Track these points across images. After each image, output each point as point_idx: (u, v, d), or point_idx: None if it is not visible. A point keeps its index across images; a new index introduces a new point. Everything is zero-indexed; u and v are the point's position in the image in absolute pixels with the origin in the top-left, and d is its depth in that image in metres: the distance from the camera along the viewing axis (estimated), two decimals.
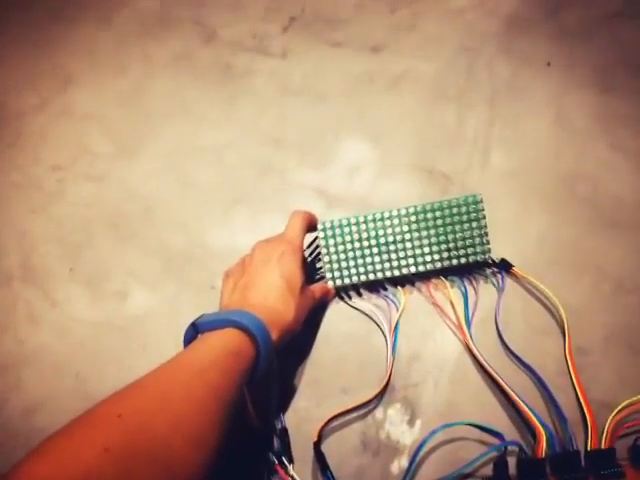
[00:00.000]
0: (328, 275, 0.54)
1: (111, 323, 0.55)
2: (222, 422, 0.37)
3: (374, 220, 0.54)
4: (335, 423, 0.48)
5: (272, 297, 0.46)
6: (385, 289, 0.54)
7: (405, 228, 0.54)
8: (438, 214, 0.54)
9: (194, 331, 0.44)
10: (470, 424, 0.45)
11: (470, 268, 0.54)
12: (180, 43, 0.74)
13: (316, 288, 0.52)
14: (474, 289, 0.54)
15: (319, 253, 0.55)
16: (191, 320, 0.45)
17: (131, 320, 0.55)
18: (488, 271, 0.54)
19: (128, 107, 0.69)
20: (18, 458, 0.47)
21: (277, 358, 0.45)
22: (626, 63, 0.67)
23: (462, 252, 0.54)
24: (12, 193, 0.64)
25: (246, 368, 0.41)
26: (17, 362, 0.54)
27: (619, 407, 0.45)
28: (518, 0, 0.73)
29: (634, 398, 0.46)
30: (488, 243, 0.54)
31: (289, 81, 0.70)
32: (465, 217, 0.54)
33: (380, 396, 0.49)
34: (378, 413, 0.49)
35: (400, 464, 0.47)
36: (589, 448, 0.44)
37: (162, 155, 0.65)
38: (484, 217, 0.53)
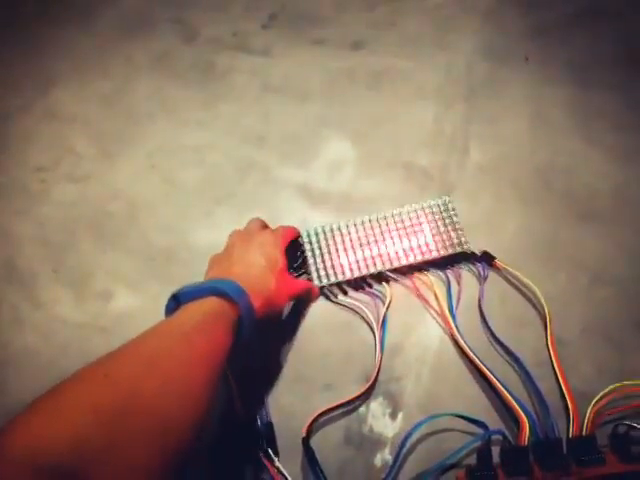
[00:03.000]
0: (314, 275, 0.54)
1: (95, 324, 0.55)
2: (209, 384, 0.38)
3: (354, 225, 0.57)
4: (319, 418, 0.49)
5: (254, 270, 0.47)
6: (370, 286, 0.55)
7: (383, 229, 0.56)
8: (412, 215, 0.57)
9: (175, 302, 0.43)
10: (455, 415, 0.46)
11: (452, 262, 0.55)
12: (161, 43, 0.74)
13: (300, 280, 0.53)
14: (457, 282, 0.54)
15: (305, 259, 0.56)
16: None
17: (115, 321, 0.55)
18: (470, 264, 0.55)
19: (111, 108, 0.69)
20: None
21: (259, 336, 0.45)
22: (601, 59, 0.68)
23: (440, 246, 0.55)
24: None
25: (229, 333, 0.41)
26: (1, 364, 0.54)
27: (600, 394, 0.46)
28: None
29: (612, 386, 0.46)
30: (463, 237, 0.55)
31: (271, 79, 0.70)
32: (438, 216, 0.56)
33: (366, 389, 0.50)
34: (361, 407, 0.49)
35: (383, 457, 0.47)
36: (571, 435, 0.45)
37: (145, 155, 0.65)
38: (456, 215, 0.56)
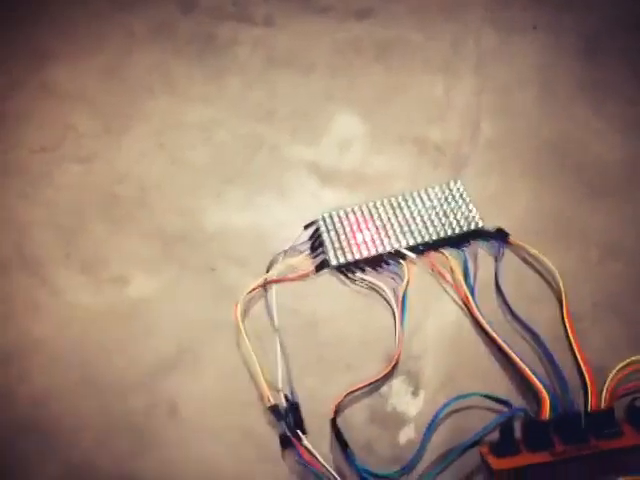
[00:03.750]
0: (331, 254, 0.55)
1: (114, 310, 0.55)
2: None
3: (367, 207, 0.57)
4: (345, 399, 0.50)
5: None
6: (388, 264, 0.56)
7: (397, 209, 0.57)
8: (425, 197, 0.57)
9: None
10: (482, 395, 0.47)
11: (468, 240, 0.56)
12: (158, 13, 0.72)
13: None
14: (473, 259, 0.55)
15: (322, 241, 0.56)
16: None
17: (133, 306, 0.55)
18: (485, 242, 0.56)
19: (110, 83, 0.67)
20: (31, 450, 0.48)
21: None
22: (609, 28, 0.67)
23: (455, 224, 0.56)
24: None
25: None
26: (22, 352, 0.53)
27: (617, 367, 0.47)
28: None
29: (628, 360, 0.48)
30: (475, 215, 0.56)
31: (275, 51, 0.69)
32: (451, 196, 0.57)
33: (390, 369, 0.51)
34: (384, 387, 0.50)
35: (407, 435, 0.49)
36: (589, 409, 0.47)
37: (150, 134, 0.63)
38: (467, 196, 0.57)
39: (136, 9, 0.72)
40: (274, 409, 0.49)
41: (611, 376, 0.48)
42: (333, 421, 0.48)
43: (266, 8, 0.71)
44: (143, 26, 0.71)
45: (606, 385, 0.47)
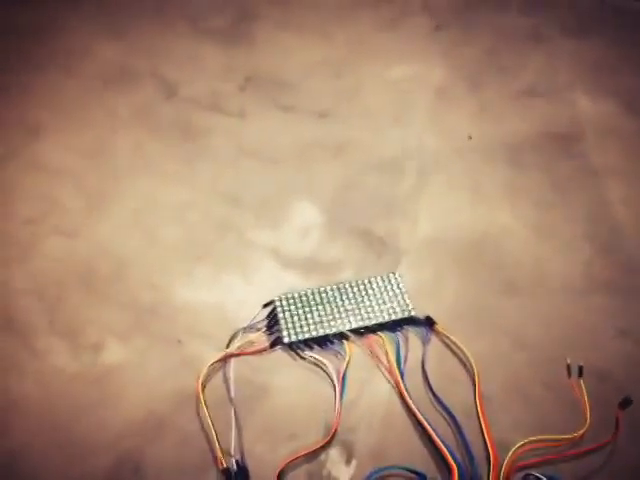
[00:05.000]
0: (284, 333, 0.63)
1: (88, 374, 0.62)
2: None
3: (318, 292, 0.66)
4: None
5: None
6: (332, 344, 0.64)
7: (344, 295, 0.66)
8: (368, 286, 0.67)
9: None
10: (399, 468, 0.56)
11: (401, 325, 0.65)
12: (142, 97, 0.80)
13: None
14: (404, 343, 0.64)
15: (277, 319, 0.64)
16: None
17: (106, 372, 0.62)
18: (415, 327, 0.65)
19: (95, 160, 0.75)
20: None
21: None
22: (531, 140, 0.79)
23: (391, 311, 0.65)
24: None
25: None
26: (2, 409, 0.60)
27: (513, 449, 0.57)
28: (447, 73, 0.84)
29: (525, 440, 0.57)
30: (409, 305, 0.65)
31: (245, 141, 0.78)
32: (389, 286, 0.67)
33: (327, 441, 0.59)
34: (322, 454, 0.59)
35: None
36: None
37: (129, 211, 0.71)
38: (404, 287, 0.66)
39: (122, 90, 0.80)
40: (226, 472, 0.56)
41: (510, 453, 0.57)
42: None
43: (240, 101, 0.80)
44: (127, 107, 0.79)
45: (506, 460, 0.57)
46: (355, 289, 0.67)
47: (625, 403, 0.60)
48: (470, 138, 0.78)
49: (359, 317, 0.65)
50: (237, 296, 0.67)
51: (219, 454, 0.57)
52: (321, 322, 0.65)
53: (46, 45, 0.85)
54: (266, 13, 0.89)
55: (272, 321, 0.65)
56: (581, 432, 0.59)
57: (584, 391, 0.61)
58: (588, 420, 0.59)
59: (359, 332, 0.65)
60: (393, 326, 0.65)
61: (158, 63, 0.83)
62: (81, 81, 0.82)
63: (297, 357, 0.64)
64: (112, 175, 0.74)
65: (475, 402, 0.61)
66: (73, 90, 0.81)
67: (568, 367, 0.63)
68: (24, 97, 0.80)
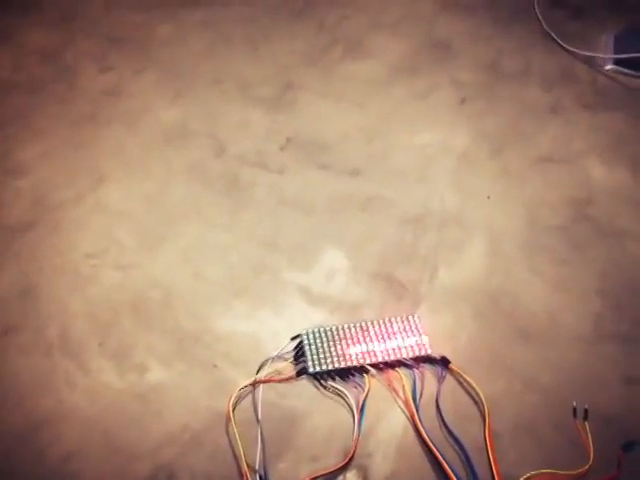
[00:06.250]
0: (309, 363, 0.69)
1: (132, 391, 0.69)
2: None
3: (342, 328, 0.72)
4: None
5: None
6: (353, 376, 0.70)
7: (365, 332, 0.72)
8: (388, 325, 0.72)
9: None
10: None
11: (418, 362, 0.70)
12: (196, 153, 0.91)
13: None
14: (421, 380, 0.69)
15: (304, 351, 0.70)
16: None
17: (149, 390, 0.69)
18: (431, 365, 0.70)
19: (151, 207, 0.85)
20: None
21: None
22: (549, 202, 0.85)
23: (409, 349, 0.71)
24: (53, 274, 0.78)
25: None
26: (55, 419, 0.67)
27: (521, 479, 0.61)
28: (470, 140, 0.92)
29: (530, 473, 0.61)
30: (426, 344, 0.71)
31: (284, 194, 0.86)
32: (408, 327, 0.72)
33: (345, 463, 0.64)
34: (339, 476, 0.63)
35: None
36: None
37: (179, 251, 0.80)
38: (422, 328, 0.72)
39: (180, 147, 0.90)
40: None
41: None
42: None
43: (281, 159, 0.89)
44: (183, 162, 0.89)
45: None
46: (376, 327, 0.72)
47: (627, 446, 0.64)
48: (489, 198, 0.85)
49: (379, 353, 0.71)
50: (269, 328, 0.74)
51: (245, 469, 0.63)
52: (344, 356, 0.70)
53: (114, 106, 0.98)
54: (309, 84, 1.00)
55: (299, 352, 0.71)
56: (584, 469, 0.62)
57: (588, 432, 0.65)
58: (591, 459, 0.63)
59: (378, 367, 0.71)
60: (410, 363, 0.71)
61: (211, 124, 0.94)
62: (143, 137, 0.93)
63: (320, 387, 0.69)
64: (166, 219, 0.83)
65: (485, 437, 0.65)
66: (136, 145, 0.92)
67: (574, 410, 0.67)
68: (90, 147, 0.92)
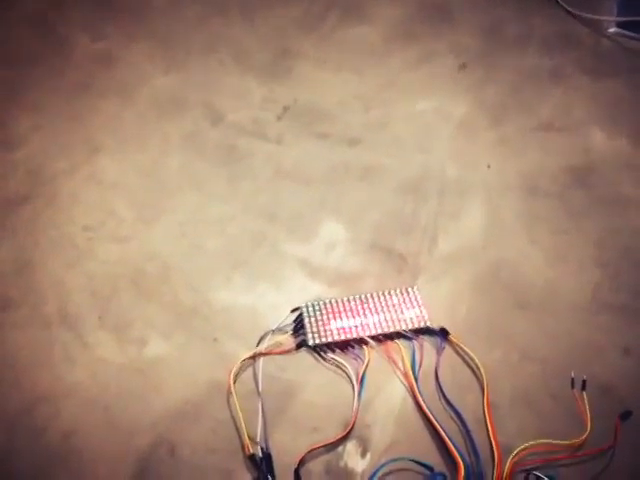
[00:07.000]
0: (309, 336, 0.69)
1: (133, 365, 0.69)
2: None
3: (342, 300, 0.72)
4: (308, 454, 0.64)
5: None
6: (353, 348, 0.70)
7: (365, 304, 0.72)
8: (388, 297, 0.72)
9: None
10: (409, 459, 0.61)
11: (417, 334, 0.70)
12: (191, 123, 0.89)
13: None
14: (420, 351, 0.70)
15: (303, 324, 0.70)
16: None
17: (149, 364, 0.69)
18: (430, 337, 0.71)
19: (147, 178, 0.84)
20: (58, 476, 0.61)
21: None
22: (548, 171, 0.84)
23: (408, 321, 0.71)
24: (50, 248, 0.77)
25: None
26: (56, 394, 0.67)
27: (516, 450, 0.61)
28: (469, 108, 0.90)
29: (527, 444, 0.61)
30: (425, 316, 0.71)
31: (282, 164, 0.85)
32: (407, 299, 0.72)
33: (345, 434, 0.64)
34: (340, 446, 0.64)
35: None
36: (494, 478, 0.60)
37: (177, 223, 0.79)
38: (421, 299, 0.72)
39: (174, 117, 0.89)
40: (252, 457, 0.63)
41: (514, 454, 0.62)
42: (296, 471, 0.62)
43: (278, 128, 0.88)
44: (178, 132, 0.87)
45: (508, 461, 0.61)
46: (376, 300, 0.72)
47: (625, 415, 0.64)
48: (489, 167, 0.84)
49: (378, 325, 0.71)
50: (268, 301, 0.74)
51: (246, 441, 0.63)
52: (343, 328, 0.70)
53: (108, 76, 0.95)
54: (305, 52, 0.98)
55: (298, 325, 0.71)
56: (582, 439, 0.63)
57: (586, 403, 0.66)
58: (589, 429, 0.64)
59: (378, 339, 0.71)
60: (410, 335, 0.71)
61: (207, 93, 0.92)
62: (138, 108, 0.91)
63: (320, 359, 0.70)
64: (162, 191, 0.82)
65: (483, 408, 0.66)
66: (131, 116, 0.90)
67: (572, 380, 0.68)
68: (85, 119, 0.90)
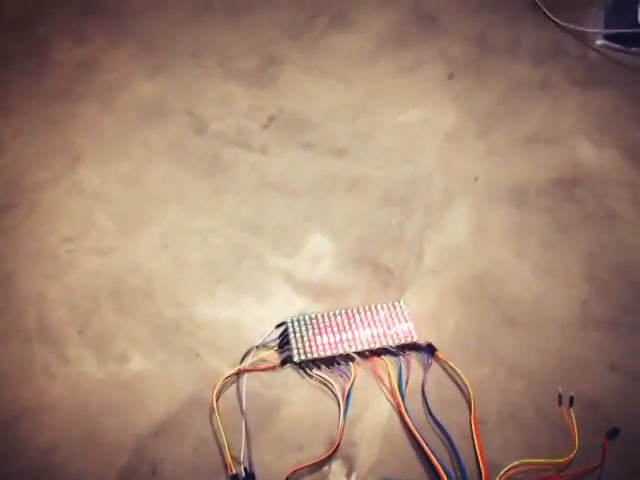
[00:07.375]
0: (294, 352, 0.68)
1: (113, 381, 0.67)
2: None
3: (328, 315, 0.71)
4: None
5: None
6: (339, 364, 0.69)
7: (351, 319, 0.71)
8: (374, 312, 0.71)
9: None
10: None
11: (404, 350, 0.70)
12: (175, 132, 0.87)
13: None
14: (406, 367, 0.69)
15: (288, 339, 0.69)
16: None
17: (130, 380, 0.67)
18: (417, 353, 0.70)
19: (130, 188, 0.82)
20: None
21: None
22: (537, 183, 0.84)
23: (394, 336, 0.70)
24: (30, 259, 0.76)
25: None
26: (36, 409, 0.65)
27: (503, 471, 0.61)
28: (457, 118, 0.90)
29: (516, 462, 0.61)
30: (412, 331, 0.70)
31: (267, 175, 0.84)
32: (394, 313, 0.71)
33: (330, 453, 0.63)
34: (325, 466, 0.63)
35: None
36: None
37: (159, 235, 0.78)
38: (408, 315, 0.71)
39: (156, 124, 0.87)
40: (234, 478, 0.61)
41: (501, 473, 0.61)
42: None
43: (263, 138, 0.86)
44: (161, 141, 0.86)
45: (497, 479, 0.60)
46: (362, 314, 0.71)
47: (611, 434, 0.64)
48: (476, 179, 0.83)
49: (365, 341, 0.70)
50: (253, 315, 0.72)
51: (229, 460, 0.62)
52: (329, 344, 0.69)
53: (88, 80, 0.94)
54: (292, 58, 0.97)
55: (283, 341, 0.70)
56: (569, 457, 0.62)
57: (573, 419, 0.65)
58: (576, 446, 0.63)
59: (364, 355, 0.70)
60: (396, 351, 0.70)
61: (191, 101, 0.91)
62: (120, 114, 0.89)
63: (305, 375, 0.68)
64: (145, 202, 0.81)
65: (470, 425, 0.65)
66: (112, 122, 0.88)
67: (560, 396, 0.67)
68: (65, 126, 0.88)
